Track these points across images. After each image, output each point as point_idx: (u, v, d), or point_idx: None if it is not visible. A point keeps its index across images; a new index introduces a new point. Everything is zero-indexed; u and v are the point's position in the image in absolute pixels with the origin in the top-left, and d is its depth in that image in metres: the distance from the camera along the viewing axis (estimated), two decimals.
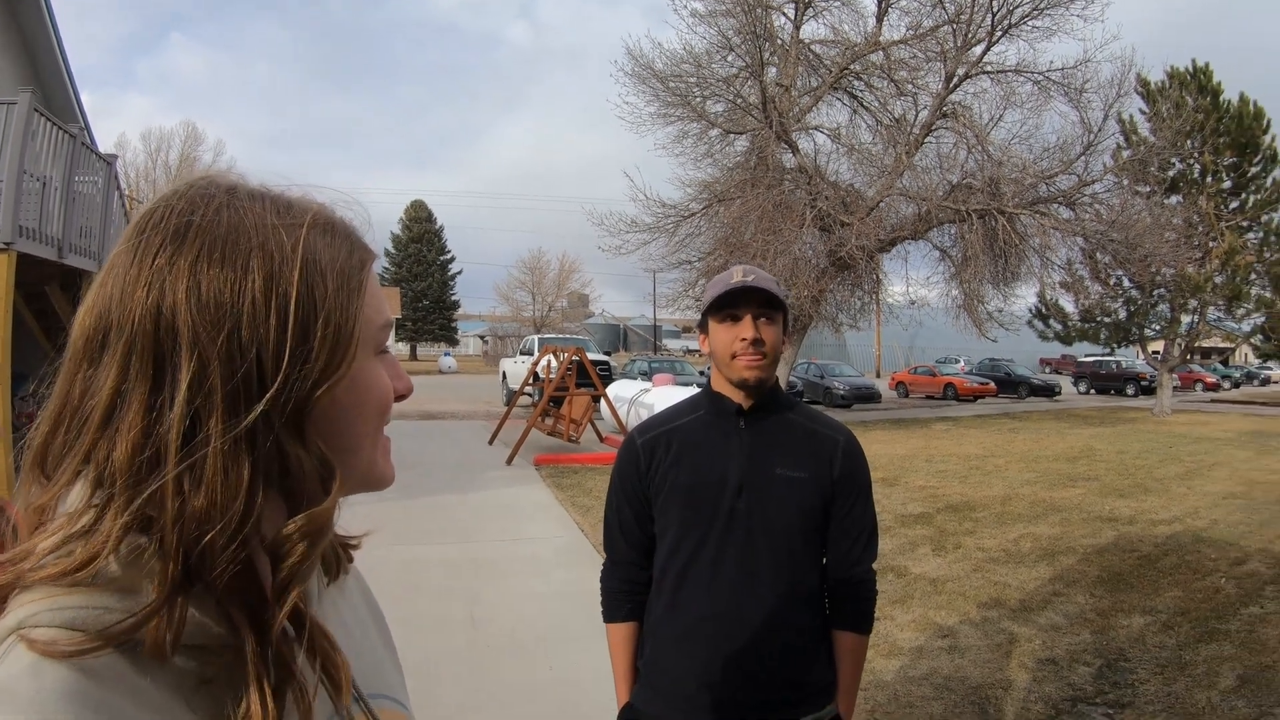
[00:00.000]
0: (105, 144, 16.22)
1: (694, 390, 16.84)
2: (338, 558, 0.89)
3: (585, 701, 4.71)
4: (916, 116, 19.61)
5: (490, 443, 16.30)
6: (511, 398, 18.78)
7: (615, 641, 2.21)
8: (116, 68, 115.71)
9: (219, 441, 0.63)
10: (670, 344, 74.40)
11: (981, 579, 7.11)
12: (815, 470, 2.08)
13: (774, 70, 18.99)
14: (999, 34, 18.61)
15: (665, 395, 16.13)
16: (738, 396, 2.11)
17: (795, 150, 18.86)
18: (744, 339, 2.03)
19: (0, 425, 8.78)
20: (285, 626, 0.67)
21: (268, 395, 0.64)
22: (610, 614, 2.22)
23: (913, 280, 21.62)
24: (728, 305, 2.07)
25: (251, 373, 0.64)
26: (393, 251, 67.28)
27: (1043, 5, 18.21)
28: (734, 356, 2.06)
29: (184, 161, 60.60)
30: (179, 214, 0.67)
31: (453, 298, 70.18)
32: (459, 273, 70.93)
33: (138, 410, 0.63)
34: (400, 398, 0.78)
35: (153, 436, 0.63)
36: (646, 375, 24.13)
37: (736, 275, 2.07)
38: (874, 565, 2.14)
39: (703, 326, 2.21)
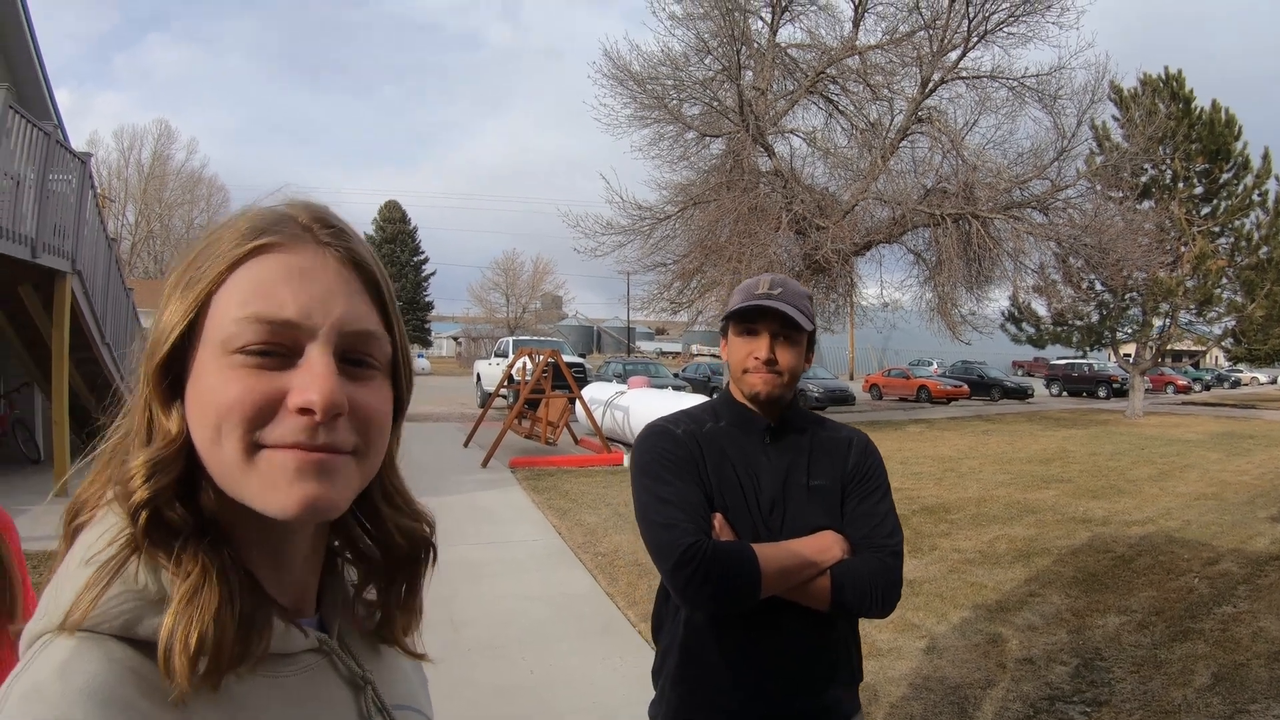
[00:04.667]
0: (78, 142, 16.13)
1: (677, 392, 16.60)
2: (381, 628, 0.90)
3: (564, 704, 4.71)
4: (892, 121, 19.91)
5: (465, 445, 16.24)
6: (486, 400, 18.89)
7: (763, 552, 1.83)
8: (90, 65, 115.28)
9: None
10: (644, 346, 74.68)
11: (958, 580, 7.17)
12: (833, 474, 2.06)
13: (750, 74, 19.15)
14: (975, 40, 18.95)
15: (641, 398, 16.27)
16: (757, 409, 2.07)
17: (771, 154, 19.02)
18: (758, 357, 2.00)
19: None
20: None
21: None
22: (733, 552, 1.82)
23: (887, 283, 21.76)
24: (748, 319, 2.03)
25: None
26: None
27: (1019, 12, 18.55)
28: (746, 371, 2.04)
29: (156, 159, 60.64)
30: None
31: (426, 299, 70.22)
32: (433, 274, 71.24)
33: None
34: (302, 411, 0.70)
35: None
36: (621, 378, 24.25)
37: (762, 286, 2.03)
38: (897, 554, 1.96)
39: (724, 332, 2.18)
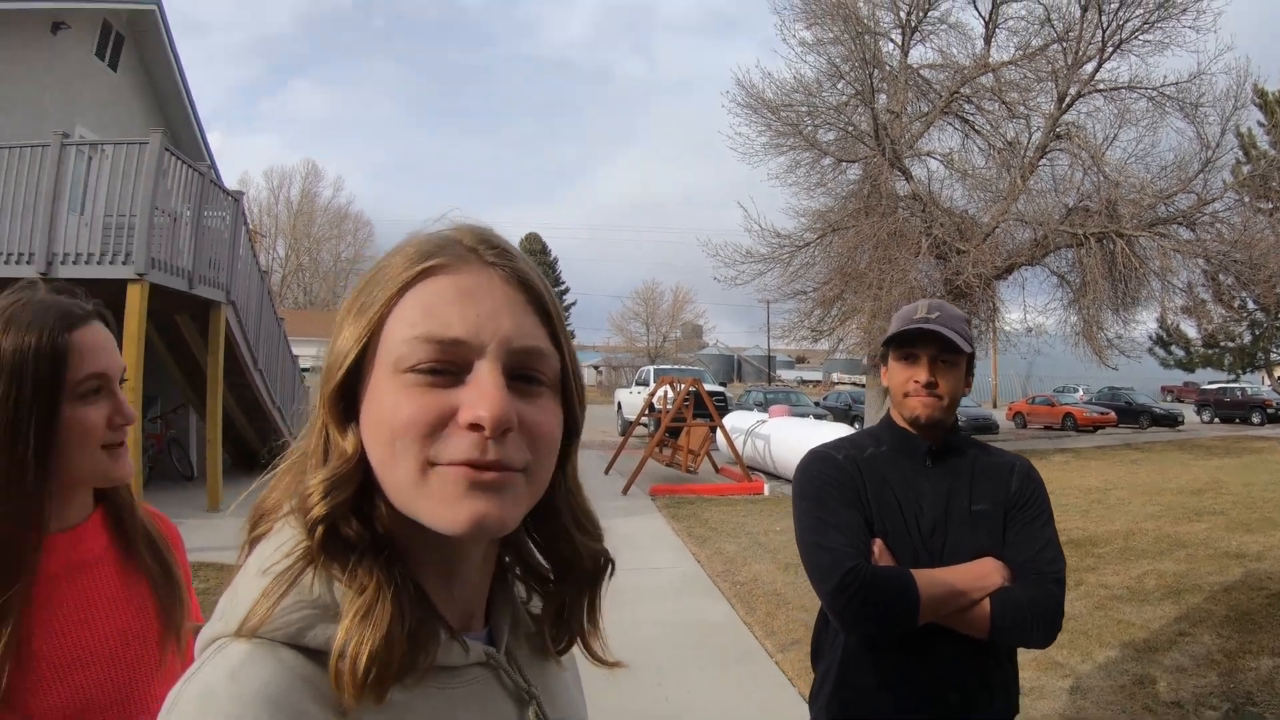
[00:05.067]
0: (230, 182, 18.16)
1: (818, 421, 17.90)
2: (555, 640, 1.00)
3: None
4: (1029, 138, 20.39)
5: (606, 472, 17.25)
6: (627, 428, 19.83)
7: (922, 578, 2.05)
8: (240, 110, 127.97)
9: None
10: (784, 374, 75.41)
11: (1104, 617, 7.21)
12: (995, 499, 2.19)
13: (884, 97, 20.00)
14: (1110, 50, 19.33)
15: (782, 427, 17.12)
16: (918, 433, 2.25)
17: (908, 177, 19.85)
18: (917, 381, 2.20)
19: (131, 447, 9.92)
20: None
21: None
22: (893, 577, 2.05)
23: (1030, 307, 22.06)
24: (907, 343, 2.23)
25: None
26: None
27: (1153, 18, 18.78)
28: (906, 395, 2.22)
29: (304, 197, 67.10)
30: None
31: (568, 329, 71.89)
32: (573, 304, 74.97)
33: None
34: (472, 426, 0.76)
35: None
36: (762, 406, 25.20)
37: (920, 311, 2.22)
38: (1060, 582, 2.11)
39: (883, 358, 2.36)
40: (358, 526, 0.80)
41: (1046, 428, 35.56)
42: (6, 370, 1.33)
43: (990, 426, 30.29)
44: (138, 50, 16.55)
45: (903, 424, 2.28)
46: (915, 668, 2.11)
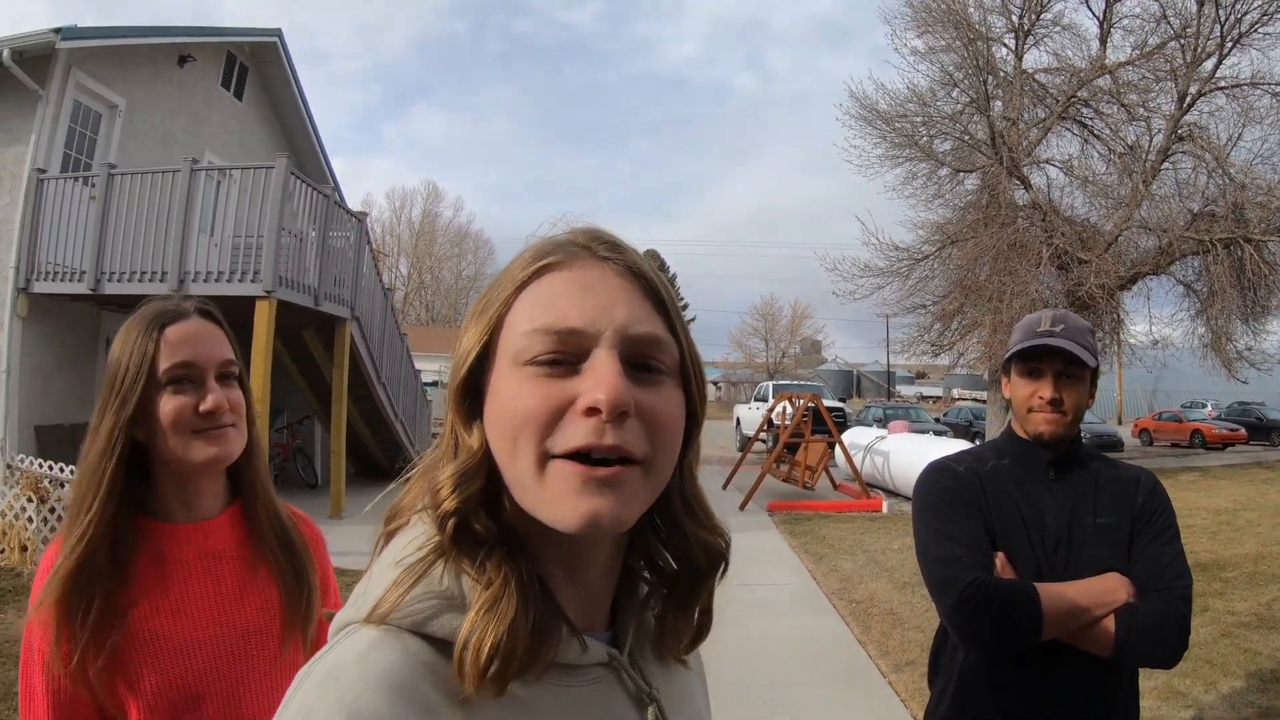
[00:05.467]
0: (353, 203, 18.79)
1: (938, 437, 17.53)
2: (695, 636, 1.00)
3: None
4: (1151, 142, 19.73)
5: (724, 487, 17.20)
6: (746, 443, 19.91)
7: (1046, 593, 2.00)
8: (363, 135, 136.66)
9: None
10: (904, 390, 74.97)
11: (1230, 645, 6.93)
12: (1120, 513, 2.14)
13: (999, 104, 19.72)
14: (1229, 45, 18.65)
15: (901, 443, 16.83)
16: (1041, 447, 2.21)
17: (1027, 185, 19.44)
18: (1042, 397, 2.16)
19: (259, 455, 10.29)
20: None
21: None
22: (1015, 590, 2.02)
23: (1155, 319, 21.28)
24: (1031, 358, 2.19)
25: None
26: None
27: (1272, 9, 18.17)
28: (1030, 411, 2.19)
29: (425, 217, 69.98)
30: None
31: (685, 319, 73.35)
32: (692, 320, 73.30)
33: None
34: (590, 411, 0.77)
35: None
36: (881, 422, 24.97)
37: (1044, 323, 2.18)
38: (1187, 600, 2.04)
39: (1006, 370, 2.31)
40: (486, 521, 0.82)
41: (1174, 445, 34.34)
42: (110, 368, 1.52)
43: (1115, 444, 29.41)
44: (261, 79, 17.16)
45: (1025, 437, 2.25)
46: (1036, 687, 2.07)
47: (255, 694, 1.56)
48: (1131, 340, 21.43)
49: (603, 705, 0.87)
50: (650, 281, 0.86)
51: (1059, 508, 2.15)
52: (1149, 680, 5.89)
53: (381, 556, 0.86)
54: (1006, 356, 2.26)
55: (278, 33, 16.73)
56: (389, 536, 0.89)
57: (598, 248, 0.86)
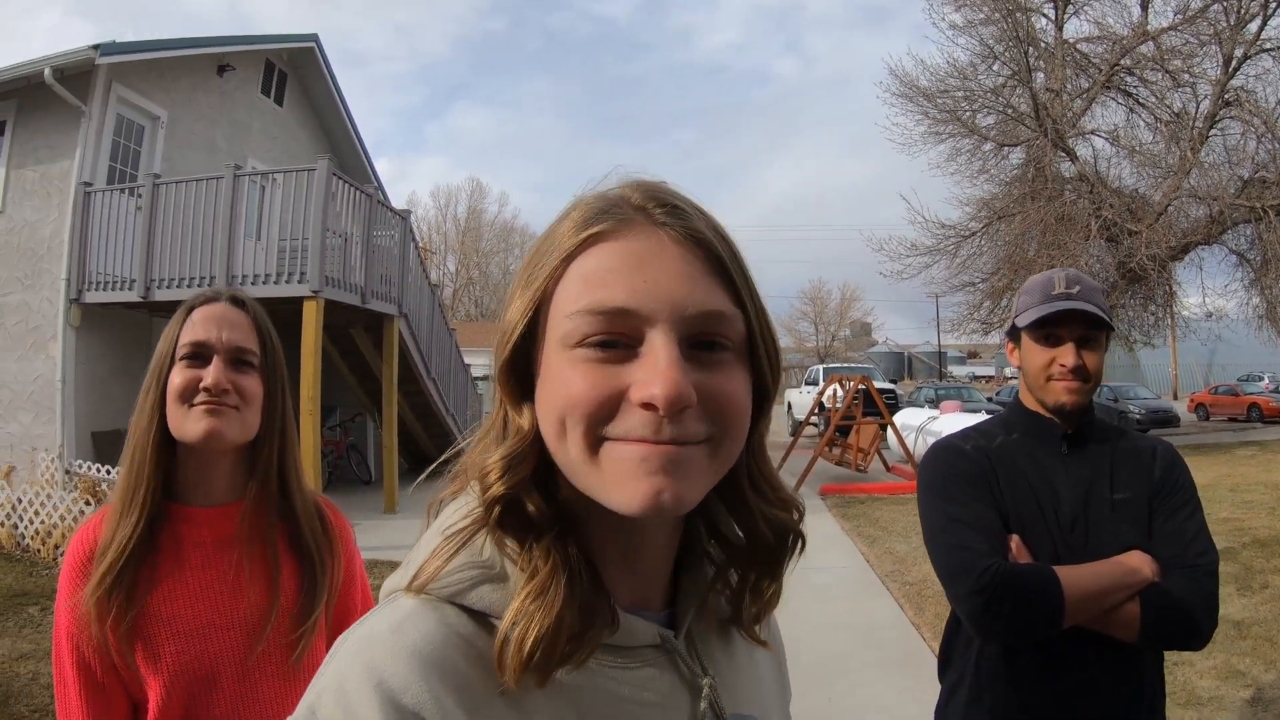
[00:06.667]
0: (399, 202, 19.03)
1: (988, 415, 17.08)
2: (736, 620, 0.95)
3: None
4: (1197, 108, 19.35)
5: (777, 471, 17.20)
6: (797, 427, 19.81)
7: (1065, 574, 1.86)
8: (406, 135, 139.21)
9: None
10: (956, 370, 74.46)
11: None
12: (1138, 487, 2.01)
13: (1041, 75, 19.33)
14: (1274, 6, 18.25)
15: (953, 422, 16.01)
16: (1053, 418, 2.06)
17: (1073, 157, 19.09)
18: (1064, 365, 1.99)
19: (310, 452, 10.16)
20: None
21: None
22: (1034, 575, 1.88)
23: (1209, 290, 20.73)
24: (1048, 323, 2.02)
25: None
26: None
27: None
28: (1049, 380, 2.02)
29: (471, 213, 70.75)
30: None
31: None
32: None
33: None
34: (645, 405, 0.72)
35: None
36: (933, 403, 24.27)
37: (1058, 285, 2.03)
38: (1213, 575, 1.91)
39: (1013, 336, 2.15)
40: (538, 502, 0.79)
41: (1230, 419, 33.19)
42: (157, 347, 1.59)
43: (1171, 419, 28.64)
44: (300, 85, 17.26)
45: (1035, 408, 2.09)
46: (1057, 676, 1.94)
47: (268, 676, 1.58)
48: (1185, 313, 21.18)
49: (652, 688, 0.82)
50: (714, 249, 0.79)
51: (1074, 484, 2.01)
52: (1208, 660, 5.85)
53: (433, 524, 0.85)
54: (1022, 323, 2.07)
55: (314, 38, 16.81)
56: (442, 503, 0.87)
57: (654, 210, 0.78)
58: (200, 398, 1.55)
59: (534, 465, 0.79)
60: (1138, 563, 1.88)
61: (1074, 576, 1.83)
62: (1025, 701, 1.97)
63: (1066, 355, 1.99)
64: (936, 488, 2.08)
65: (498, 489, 0.77)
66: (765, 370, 0.83)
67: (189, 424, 1.54)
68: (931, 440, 16.26)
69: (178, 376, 1.55)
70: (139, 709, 1.52)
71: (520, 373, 0.80)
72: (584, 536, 0.80)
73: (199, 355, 1.57)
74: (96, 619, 1.45)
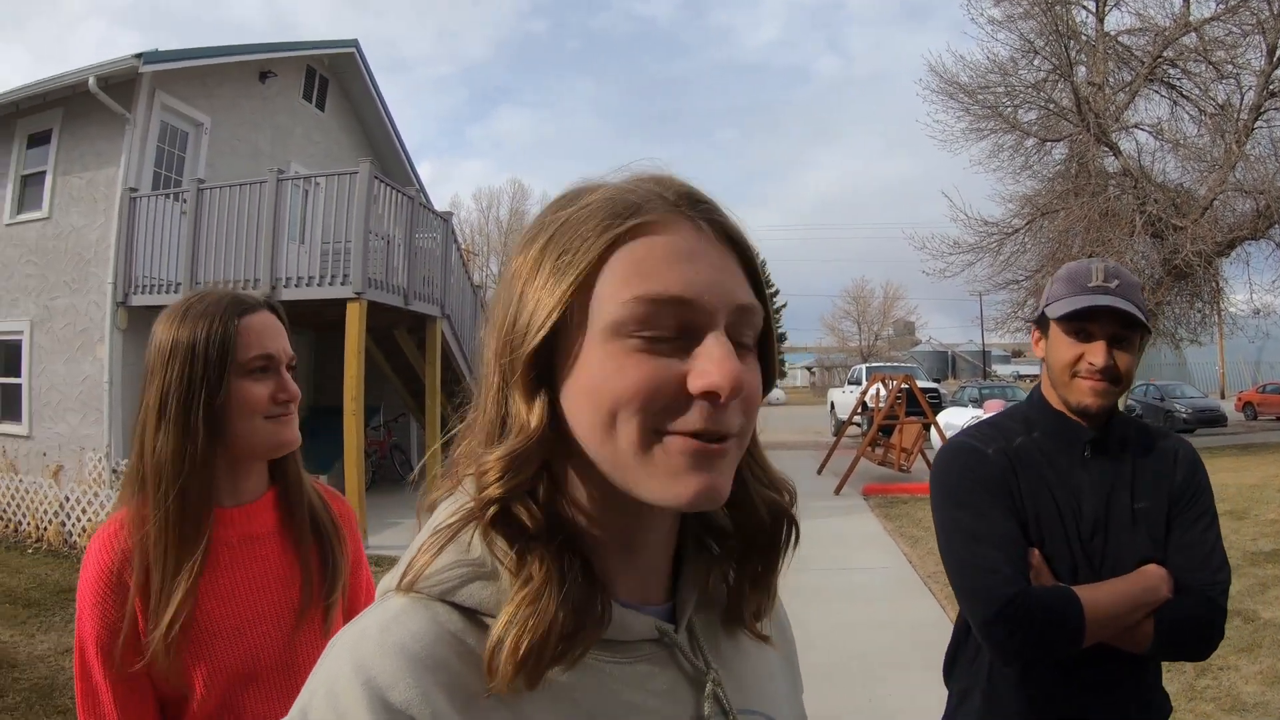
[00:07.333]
0: (441, 205, 19.35)
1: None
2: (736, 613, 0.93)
3: None
4: (1242, 100, 18.86)
5: (819, 472, 16.94)
6: (840, 427, 19.60)
7: (1088, 597, 1.80)
8: (449, 138, 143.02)
9: None
10: (1000, 369, 73.88)
11: None
12: (1159, 493, 1.93)
13: (1083, 69, 18.99)
14: None
15: None
16: (1078, 418, 1.96)
17: (1117, 152, 18.67)
18: (1093, 364, 1.88)
19: (354, 452, 10.38)
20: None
21: None
22: (1057, 601, 1.80)
23: (1256, 286, 20.05)
24: (1079, 317, 1.90)
25: None
26: None
27: None
28: (1075, 378, 1.92)
29: (513, 215, 71.79)
30: None
31: (778, 330, 74.01)
32: (783, 306, 75.00)
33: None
34: (705, 395, 0.72)
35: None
36: (977, 402, 24.25)
37: (1096, 277, 1.90)
38: (1225, 593, 1.87)
39: (1041, 325, 2.03)
40: (534, 510, 0.76)
41: (1278, 418, 32.81)
42: (182, 353, 1.54)
43: (1218, 419, 28.37)
44: (341, 90, 17.41)
45: (1060, 407, 1.98)
46: (1068, 687, 1.89)
47: (305, 670, 1.62)
48: (1231, 309, 20.66)
49: (652, 684, 0.81)
50: (744, 246, 0.81)
51: (1096, 491, 1.92)
52: (1254, 664, 5.86)
53: (426, 524, 0.83)
54: (1053, 313, 1.94)
55: (354, 44, 16.92)
56: (436, 502, 0.85)
57: (689, 206, 0.78)
58: (277, 409, 1.61)
59: (537, 468, 0.77)
60: (1156, 581, 1.83)
61: (1095, 598, 1.78)
62: (1039, 708, 1.93)
63: (1096, 354, 1.88)
64: (954, 497, 1.98)
65: (495, 490, 0.75)
66: (771, 365, 0.85)
67: (267, 435, 1.60)
68: None
69: (253, 389, 1.58)
70: (170, 707, 1.55)
71: (541, 365, 0.76)
72: (581, 534, 0.79)
73: (267, 368, 1.61)
74: (154, 633, 1.47)
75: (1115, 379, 1.89)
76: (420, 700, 0.67)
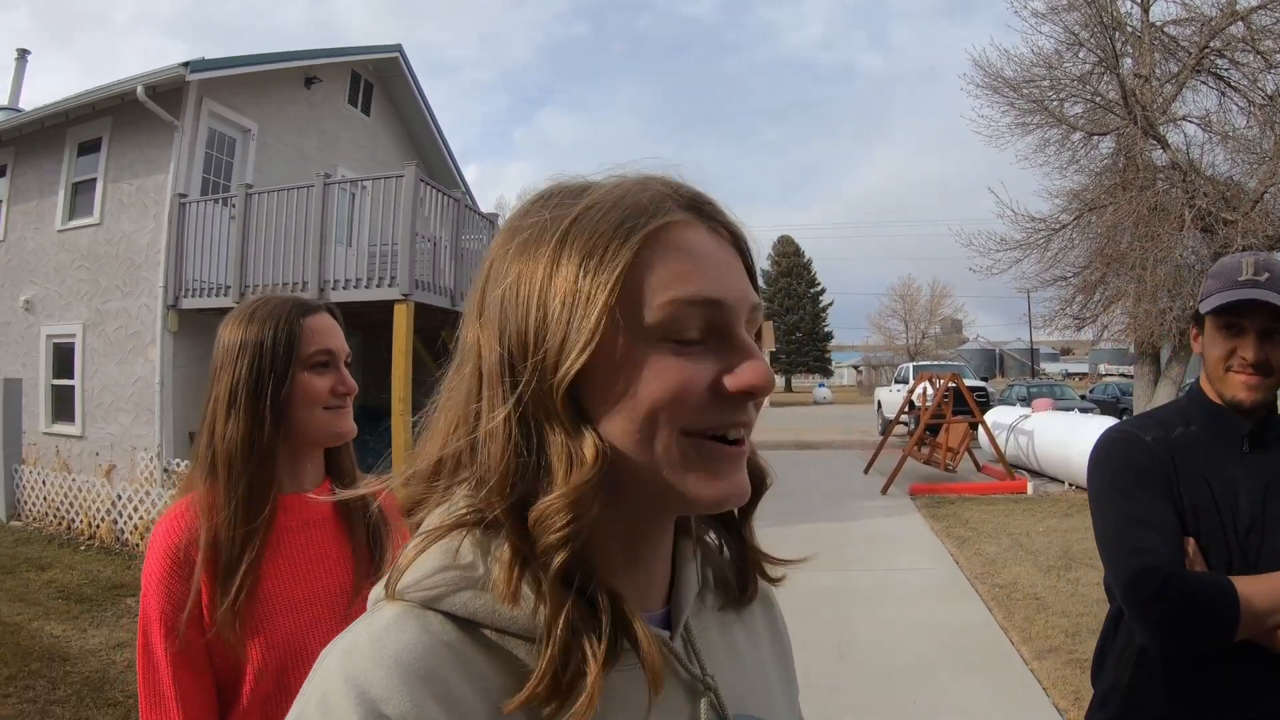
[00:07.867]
0: (487, 207, 19.58)
1: (1084, 415, 16.72)
2: (743, 583, 0.95)
3: None
4: None
5: (866, 472, 17.03)
6: (887, 426, 19.83)
7: (1244, 587, 1.74)
8: (495, 141, 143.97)
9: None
10: (1048, 368, 73.60)
11: None
12: None
13: (1129, 61, 18.79)
14: None
15: (1046, 422, 16.37)
16: (1235, 413, 1.95)
17: (1165, 145, 18.37)
18: (1244, 358, 1.88)
19: (401, 450, 10.50)
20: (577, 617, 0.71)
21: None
22: (1212, 587, 1.76)
23: None
24: (1230, 311, 1.90)
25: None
26: (763, 287, 74.28)
27: None
28: (1228, 371, 1.92)
29: None
30: None
31: (825, 329, 74.73)
32: (830, 304, 75.62)
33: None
34: (743, 393, 0.73)
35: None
36: (1025, 401, 24.03)
37: (1246, 271, 1.89)
38: None
39: (1198, 321, 2.03)
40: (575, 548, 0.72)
41: None
42: (251, 348, 1.67)
43: None
44: (386, 94, 17.59)
45: (1216, 400, 1.97)
46: (1217, 690, 1.83)
47: None
48: None
49: (649, 693, 0.76)
50: (746, 247, 0.82)
51: (1253, 486, 1.88)
52: None
53: (417, 533, 0.79)
54: (1205, 309, 1.94)
55: (398, 49, 17.06)
56: (418, 525, 0.80)
57: (701, 211, 0.78)
58: (336, 401, 1.74)
59: (598, 499, 0.71)
60: None
61: (1251, 590, 1.72)
62: (1185, 708, 1.88)
63: (1247, 348, 1.88)
64: (1114, 482, 1.97)
65: (560, 535, 0.70)
66: None
67: (327, 426, 1.73)
68: (1024, 440, 16.15)
69: (315, 382, 1.71)
70: (227, 686, 1.61)
71: (574, 387, 0.72)
72: (590, 550, 0.74)
73: (328, 363, 1.74)
74: (221, 604, 1.55)
75: (1268, 372, 1.88)
76: (415, 713, 0.65)
